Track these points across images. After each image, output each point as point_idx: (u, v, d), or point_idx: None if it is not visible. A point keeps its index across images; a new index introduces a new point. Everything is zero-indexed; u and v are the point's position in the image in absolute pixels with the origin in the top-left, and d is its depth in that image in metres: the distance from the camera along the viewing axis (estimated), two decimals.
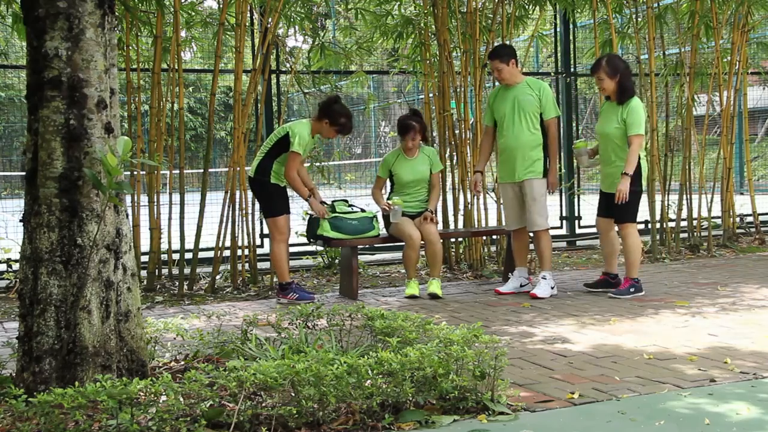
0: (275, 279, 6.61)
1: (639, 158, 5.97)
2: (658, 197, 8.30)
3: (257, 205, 7.26)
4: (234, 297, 6.52)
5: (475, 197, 7.63)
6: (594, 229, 9.24)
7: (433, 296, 6.13)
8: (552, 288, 6.13)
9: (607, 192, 6.13)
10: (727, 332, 4.62)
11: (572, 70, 9.46)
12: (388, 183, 6.73)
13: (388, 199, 6.59)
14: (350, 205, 6.55)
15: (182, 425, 2.84)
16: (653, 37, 8.23)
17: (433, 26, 7.70)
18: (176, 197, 6.87)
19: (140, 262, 6.45)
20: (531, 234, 6.36)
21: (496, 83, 6.81)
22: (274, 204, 6.19)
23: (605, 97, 6.23)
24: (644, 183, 6.18)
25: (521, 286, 6.32)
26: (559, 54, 9.48)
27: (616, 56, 6.48)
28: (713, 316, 5.14)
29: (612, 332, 4.72)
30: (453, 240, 7.78)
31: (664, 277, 6.87)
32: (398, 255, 7.77)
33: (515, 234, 6.43)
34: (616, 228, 6.22)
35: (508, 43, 7.18)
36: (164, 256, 7.09)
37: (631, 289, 6.00)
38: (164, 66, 7.03)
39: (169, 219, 6.98)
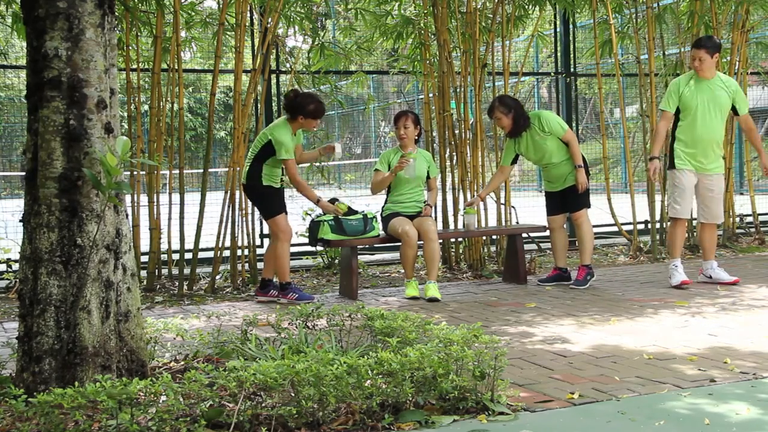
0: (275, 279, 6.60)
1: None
2: (657, 197, 8.30)
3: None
4: (234, 297, 6.52)
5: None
6: (602, 229, 9.26)
7: (433, 300, 6.11)
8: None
9: (561, 190, 6.66)
10: (726, 332, 4.62)
11: (572, 70, 9.47)
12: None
13: (386, 200, 6.61)
14: (352, 211, 6.51)
15: (182, 425, 2.84)
16: (653, 37, 8.23)
17: (433, 26, 7.70)
18: (176, 197, 6.87)
19: (140, 262, 6.45)
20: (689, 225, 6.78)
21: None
22: (270, 205, 6.19)
23: (507, 135, 6.77)
24: None
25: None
26: (558, 54, 9.49)
27: (507, 96, 6.95)
28: (713, 316, 5.14)
29: (612, 332, 4.72)
30: (453, 240, 7.79)
31: (664, 277, 6.87)
32: (398, 255, 7.77)
33: (684, 223, 6.55)
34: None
35: (712, 36, 7.10)
36: (164, 256, 7.09)
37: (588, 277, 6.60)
38: (164, 66, 7.03)
39: (169, 219, 6.97)
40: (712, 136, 6.33)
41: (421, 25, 7.79)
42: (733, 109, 6.40)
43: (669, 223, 6.65)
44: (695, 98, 6.32)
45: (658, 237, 8.32)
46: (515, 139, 6.69)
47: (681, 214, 6.43)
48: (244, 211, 6.99)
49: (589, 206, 6.71)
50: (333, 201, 6.66)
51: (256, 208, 7.36)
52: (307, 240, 6.77)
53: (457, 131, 7.74)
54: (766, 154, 6.40)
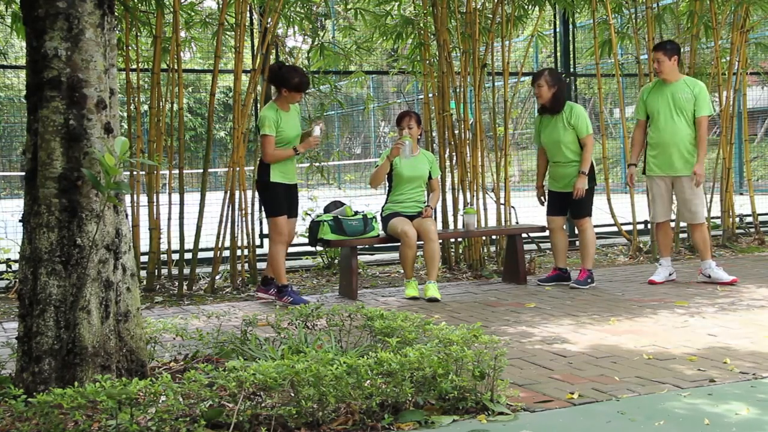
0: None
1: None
2: None
3: (257, 205, 7.27)
4: (234, 297, 6.52)
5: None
6: (602, 229, 9.26)
7: (432, 300, 6.10)
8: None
9: (563, 191, 6.67)
10: (726, 332, 4.62)
11: (572, 70, 9.47)
12: (386, 181, 6.69)
13: (386, 200, 6.60)
14: (355, 212, 6.50)
15: (182, 425, 2.84)
16: (652, 38, 8.23)
17: (433, 26, 7.70)
18: (176, 197, 6.87)
19: (140, 262, 6.45)
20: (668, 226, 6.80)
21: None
22: (273, 203, 6.16)
23: (539, 110, 6.83)
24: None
25: (670, 274, 6.64)
26: (558, 54, 9.49)
27: (558, 72, 7.06)
28: (712, 316, 5.14)
29: (611, 332, 4.72)
30: (453, 240, 7.78)
31: None
32: (398, 255, 7.76)
33: (662, 226, 6.75)
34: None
35: (672, 40, 7.28)
36: (164, 256, 7.09)
37: (588, 280, 6.58)
38: (164, 66, 7.03)
39: (169, 219, 6.97)
40: (675, 138, 6.42)
41: (421, 25, 7.79)
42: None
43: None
44: (657, 102, 6.48)
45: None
46: (541, 118, 6.78)
47: (653, 218, 6.78)
48: (244, 211, 6.99)
49: (590, 214, 6.75)
50: (333, 204, 6.67)
51: (257, 207, 7.38)
52: (307, 240, 6.76)
53: (456, 131, 7.74)
54: (702, 164, 6.39)
